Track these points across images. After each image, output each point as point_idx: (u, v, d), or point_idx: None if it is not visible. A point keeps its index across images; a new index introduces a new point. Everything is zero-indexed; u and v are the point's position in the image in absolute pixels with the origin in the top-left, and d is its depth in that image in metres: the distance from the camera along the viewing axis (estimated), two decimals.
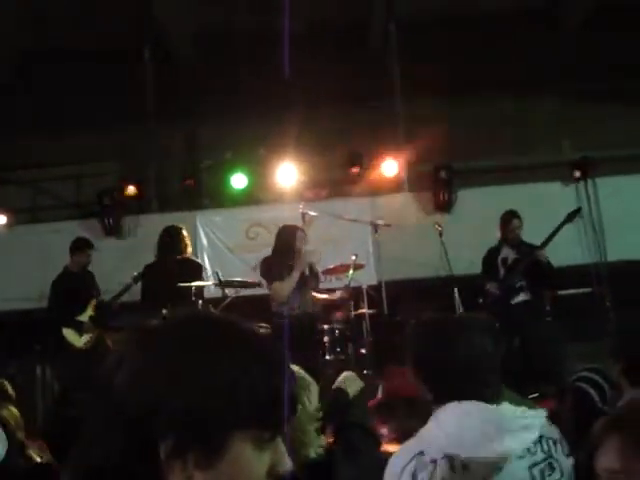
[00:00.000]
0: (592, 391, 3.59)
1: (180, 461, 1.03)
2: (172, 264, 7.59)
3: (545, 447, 2.11)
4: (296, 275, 6.72)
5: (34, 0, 10.02)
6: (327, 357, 7.20)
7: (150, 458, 1.02)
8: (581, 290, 9.11)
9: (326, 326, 7.31)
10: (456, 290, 7.79)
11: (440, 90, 10.90)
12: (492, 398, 2.23)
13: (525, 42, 11.00)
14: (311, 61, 9.15)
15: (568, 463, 2.16)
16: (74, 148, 11.34)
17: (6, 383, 4.41)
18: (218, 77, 11.03)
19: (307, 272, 6.95)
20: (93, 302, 7.91)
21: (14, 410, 3.91)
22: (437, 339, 2.38)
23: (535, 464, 2.07)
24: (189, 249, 7.79)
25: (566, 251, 8.69)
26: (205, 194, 10.87)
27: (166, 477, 1.03)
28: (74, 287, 7.97)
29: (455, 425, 2.05)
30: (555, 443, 2.15)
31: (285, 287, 6.75)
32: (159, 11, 10.48)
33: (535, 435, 2.09)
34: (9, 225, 10.62)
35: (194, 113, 11.40)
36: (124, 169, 11.43)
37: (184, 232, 7.74)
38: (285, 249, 6.93)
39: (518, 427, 2.07)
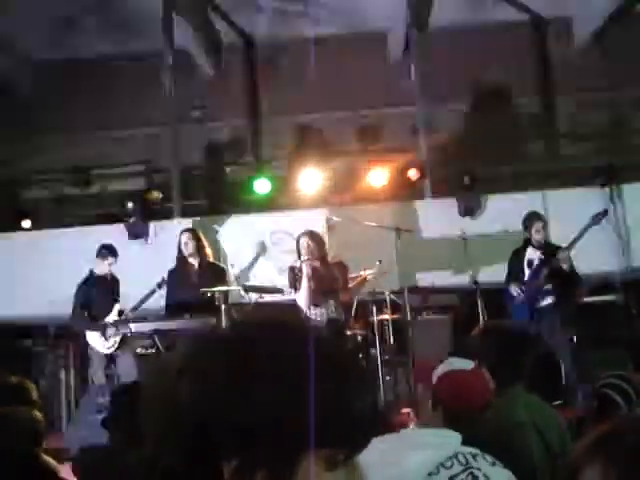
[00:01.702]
0: (618, 397, 3.57)
1: None
2: (196, 269, 7.63)
3: (462, 460, 2.07)
4: (305, 283, 6.76)
5: (51, 3, 10.05)
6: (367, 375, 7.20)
7: (213, 475, 0.98)
8: (606, 297, 9.05)
9: (349, 332, 7.32)
10: (479, 296, 7.77)
11: (462, 95, 10.89)
12: None
13: (549, 47, 10.97)
14: (335, 66, 9.19)
15: (497, 471, 2.11)
16: (98, 152, 11.43)
17: (31, 386, 4.41)
18: (240, 83, 11.08)
19: (323, 272, 6.96)
20: (117, 306, 7.96)
21: (38, 414, 3.85)
22: None
23: (455, 475, 2.03)
24: (209, 252, 7.82)
25: (591, 258, 8.63)
26: (228, 200, 10.90)
27: None
28: (99, 291, 8.03)
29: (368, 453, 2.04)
30: (474, 456, 2.11)
31: (300, 297, 6.88)
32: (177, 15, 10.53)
33: (447, 452, 2.06)
34: (35, 229, 10.70)
35: (216, 118, 11.44)
36: (148, 174, 11.49)
37: (201, 235, 7.78)
38: (298, 256, 7.04)
39: (425, 446, 2.05)
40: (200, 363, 1.05)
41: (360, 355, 7.34)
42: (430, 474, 1.99)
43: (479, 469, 2.06)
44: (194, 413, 1.00)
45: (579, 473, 1.12)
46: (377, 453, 1.98)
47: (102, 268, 8.13)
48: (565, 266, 7.31)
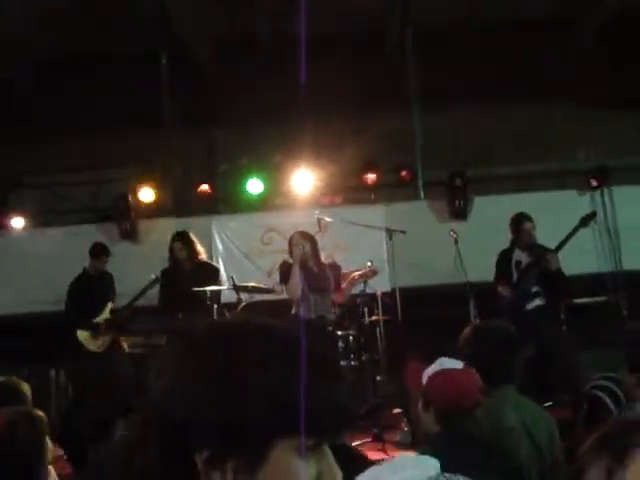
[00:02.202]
0: (607, 399, 3.58)
1: (219, 471, 1.01)
2: (189, 268, 7.63)
3: None
4: (295, 271, 6.77)
5: (51, 3, 10.04)
6: (341, 363, 7.20)
7: (188, 468, 1.01)
8: (597, 298, 9.08)
9: (340, 332, 7.32)
10: (471, 297, 7.79)
11: (455, 97, 10.90)
12: None
13: (541, 49, 10.98)
14: (327, 68, 9.17)
15: None
16: (91, 152, 11.40)
17: (23, 385, 4.38)
18: (235, 83, 11.06)
19: (314, 270, 6.98)
20: (110, 305, 7.96)
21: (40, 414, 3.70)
22: None
23: None
24: (200, 250, 7.82)
25: (582, 259, 8.68)
26: (221, 199, 10.90)
27: None
28: (91, 289, 8.03)
29: None
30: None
31: (291, 287, 6.87)
32: (176, 14, 10.51)
33: (430, 472, 2.05)
34: (26, 228, 10.69)
35: (211, 119, 11.44)
36: (141, 173, 11.48)
37: (192, 237, 7.79)
38: (290, 255, 7.06)
39: (405, 468, 2.03)
40: (172, 362, 1.10)
41: (351, 355, 7.34)
42: None
43: None
44: (164, 410, 1.04)
45: (585, 472, 1.13)
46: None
47: (95, 267, 8.13)
48: (554, 268, 7.32)
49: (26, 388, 4.32)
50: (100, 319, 7.86)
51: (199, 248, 7.77)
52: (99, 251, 8.19)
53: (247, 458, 1.01)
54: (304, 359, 1.05)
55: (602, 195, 9.46)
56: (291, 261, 6.99)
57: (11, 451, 2.85)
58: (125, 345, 8.02)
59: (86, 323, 7.87)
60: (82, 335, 7.86)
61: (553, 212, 8.91)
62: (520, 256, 7.63)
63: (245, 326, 1.13)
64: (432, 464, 2.11)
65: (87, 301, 8.00)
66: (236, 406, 1.01)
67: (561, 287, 7.53)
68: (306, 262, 6.95)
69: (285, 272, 7.00)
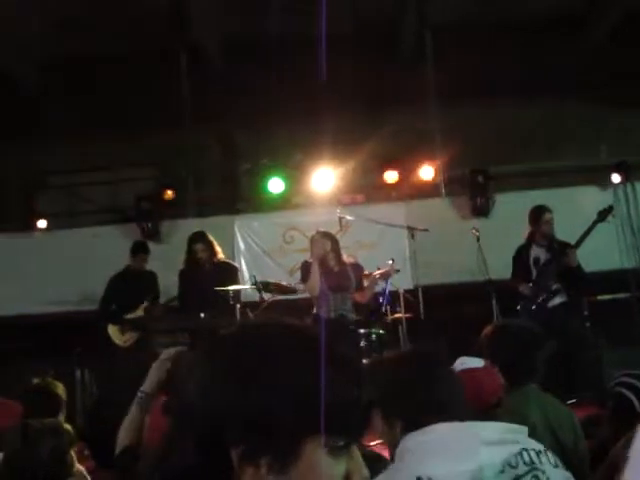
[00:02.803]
0: (632, 396, 3.57)
1: (253, 467, 1.04)
2: (209, 268, 7.66)
3: (527, 459, 2.00)
4: (315, 270, 6.78)
5: (63, 2, 10.09)
6: (364, 362, 7.19)
7: (223, 464, 1.04)
8: (619, 295, 9.02)
9: (363, 330, 7.32)
10: (494, 295, 7.77)
11: (475, 94, 10.87)
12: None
13: (561, 46, 10.93)
14: (347, 66, 9.18)
15: (558, 473, 2.05)
16: (112, 152, 11.47)
17: (58, 387, 4.38)
18: (254, 82, 11.08)
19: (334, 268, 6.98)
20: (145, 304, 8.04)
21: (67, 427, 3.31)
22: None
23: (520, 476, 1.95)
24: (219, 250, 7.85)
25: (604, 256, 8.62)
26: (242, 199, 10.94)
27: None
28: (128, 286, 8.14)
29: (425, 447, 1.99)
30: (539, 454, 2.05)
31: (310, 285, 6.88)
32: (194, 13, 10.55)
33: (516, 448, 2.01)
34: (49, 229, 10.78)
35: (231, 118, 11.47)
36: (162, 174, 11.54)
37: (210, 237, 7.82)
38: (311, 254, 7.05)
39: (496, 441, 1.99)
40: (203, 362, 1.13)
41: (374, 354, 7.33)
42: (499, 472, 1.94)
43: (543, 472, 2.00)
44: (199, 409, 1.07)
45: (619, 471, 1.13)
46: (445, 442, 1.99)
47: (135, 264, 8.26)
48: (574, 264, 7.28)
49: (61, 390, 4.34)
50: (132, 315, 7.96)
51: (218, 248, 7.80)
52: (137, 248, 8.34)
53: (279, 455, 1.04)
54: (329, 359, 1.07)
55: (625, 191, 9.38)
56: (311, 260, 7.00)
57: (33, 466, 2.86)
58: (152, 343, 8.08)
59: (118, 318, 8.01)
60: (111, 329, 8.03)
61: (574, 208, 8.85)
62: (538, 252, 7.56)
63: (273, 326, 1.16)
64: (520, 437, 2.08)
65: (123, 297, 8.12)
66: (266, 405, 1.04)
67: (581, 284, 7.48)
68: (326, 261, 6.95)
69: (306, 271, 7.00)
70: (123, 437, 2.75)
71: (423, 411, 2.16)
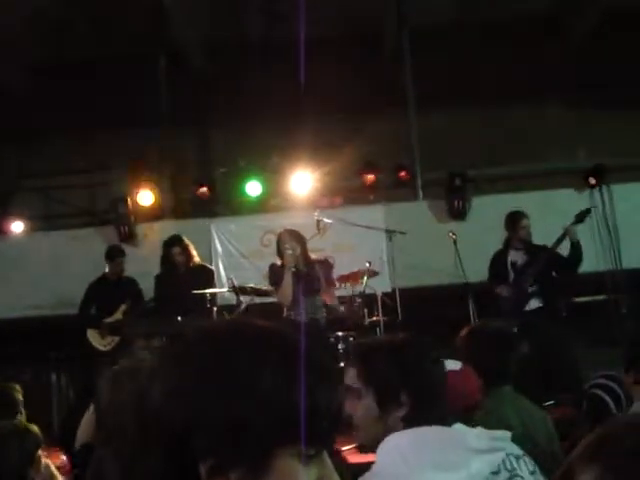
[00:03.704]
0: (608, 398, 3.58)
1: None
2: (184, 271, 7.64)
3: (508, 465, 2.03)
4: (287, 276, 6.74)
5: (48, 5, 10.02)
6: (341, 364, 7.18)
7: (191, 478, 0.98)
8: (596, 297, 9.08)
9: (340, 333, 7.30)
10: (471, 297, 7.78)
11: (453, 98, 10.89)
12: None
13: (539, 49, 10.98)
14: (325, 69, 9.17)
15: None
16: (88, 155, 11.40)
17: (16, 392, 4.36)
18: (233, 84, 11.05)
19: (304, 272, 6.94)
20: (123, 307, 8.00)
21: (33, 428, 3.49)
22: None
23: None
24: (194, 253, 7.83)
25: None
26: (219, 201, 10.89)
27: None
28: (107, 290, 8.12)
29: (414, 452, 1.97)
30: (518, 459, 2.07)
31: (283, 290, 6.80)
32: (174, 16, 10.51)
33: (502, 455, 2.03)
34: (25, 232, 10.69)
35: (208, 120, 11.44)
36: (138, 176, 11.47)
37: (186, 240, 7.80)
38: (279, 255, 7.00)
39: (485, 449, 2.00)
40: (167, 367, 1.06)
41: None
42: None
43: (522, 478, 2.02)
44: (165, 417, 1.00)
45: (575, 478, 1.10)
46: (434, 449, 1.97)
47: (113, 269, 8.20)
48: (575, 239, 7.31)
49: (18, 392, 4.31)
50: (111, 320, 7.92)
51: (194, 251, 7.79)
52: (114, 253, 8.27)
53: (250, 467, 0.99)
54: (300, 363, 1.03)
55: (601, 193, 9.44)
56: (279, 262, 6.96)
57: (0, 468, 2.86)
58: (132, 346, 8.04)
59: (97, 322, 7.98)
60: (91, 333, 8.00)
61: (552, 211, 8.90)
62: (515, 256, 7.60)
63: (239, 329, 1.10)
64: (505, 444, 2.07)
65: (103, 303, 8.11)
66: (233, 411, 0.98)
67: (576, 261, 7.46)
68: (297, 266, 6.90)
69: (275, 275, 6.95)
70: (82, 435, 2.98)
71: (424, 398, 2.19)
